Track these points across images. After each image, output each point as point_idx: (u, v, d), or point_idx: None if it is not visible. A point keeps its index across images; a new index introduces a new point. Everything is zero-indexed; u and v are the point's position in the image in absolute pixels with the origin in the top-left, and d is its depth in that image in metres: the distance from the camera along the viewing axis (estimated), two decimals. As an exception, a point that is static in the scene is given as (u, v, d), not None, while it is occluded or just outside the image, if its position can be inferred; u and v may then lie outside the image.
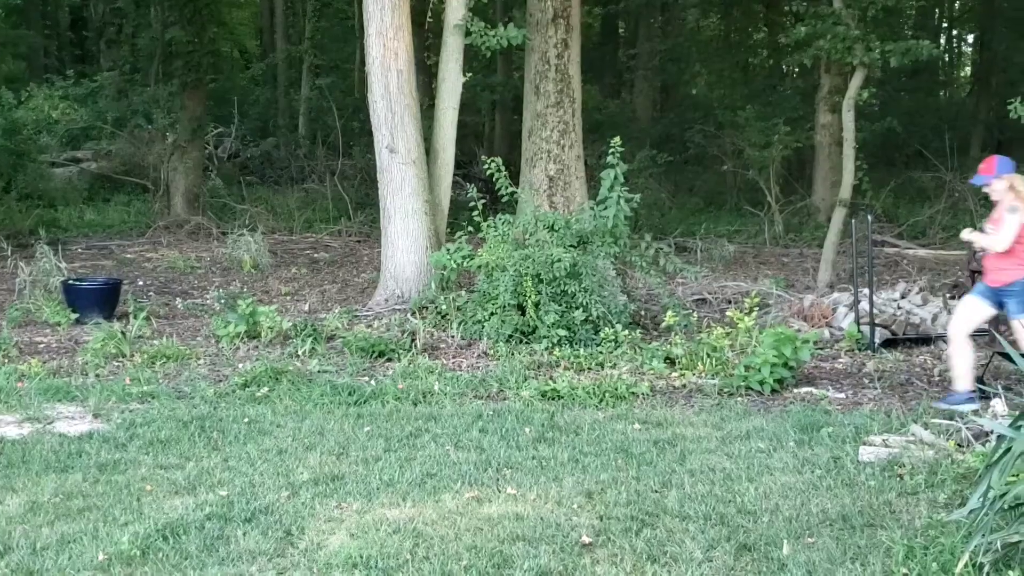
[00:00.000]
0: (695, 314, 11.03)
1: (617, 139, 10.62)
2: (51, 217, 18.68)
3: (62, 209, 19.80)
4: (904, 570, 4.78)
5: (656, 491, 6.04)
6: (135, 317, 10.78)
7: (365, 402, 8.23)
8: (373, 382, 8.86)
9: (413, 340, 10.06)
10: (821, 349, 9.91)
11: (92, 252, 16.55)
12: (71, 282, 11.81)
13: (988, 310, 7.90)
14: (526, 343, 9.90)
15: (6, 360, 9.29)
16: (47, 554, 5.12)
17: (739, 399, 8.33)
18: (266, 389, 8.52)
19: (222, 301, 12.05)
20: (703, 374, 8.98)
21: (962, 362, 7.83)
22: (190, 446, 6.99)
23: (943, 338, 10.20)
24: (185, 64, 19.39)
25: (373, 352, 9.73)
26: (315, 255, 16.63)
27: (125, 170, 21.73)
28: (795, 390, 8.57)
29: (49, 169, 21.97)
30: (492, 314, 10.18)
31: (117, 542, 5.18)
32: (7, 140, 19.64)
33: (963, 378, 7.83)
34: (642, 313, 11.07)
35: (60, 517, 5.66)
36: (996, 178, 7.66)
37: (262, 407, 8.05)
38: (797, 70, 27.41)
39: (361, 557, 5.01)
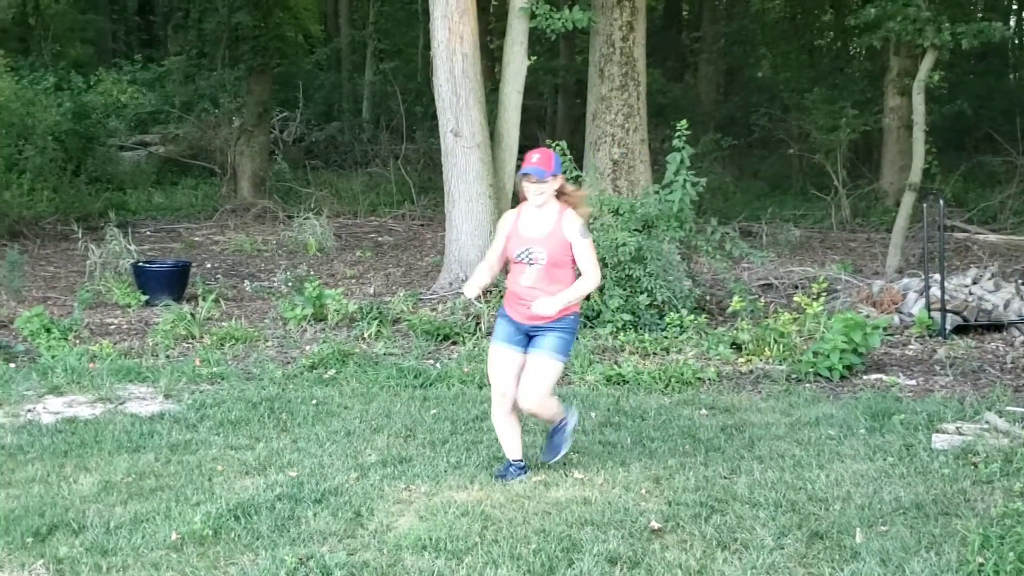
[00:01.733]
0: (761, 299, 10.92)
1: (684, 122, 10.54)
2: (120, 200, 18.94)
3: (131, 192, 20.05)
4: (980, 559, 4.69)
5: (725, 477, 6.00)
6: (204, 299, 10.91)
7: (431, 385, 8.27)
8: (438, 365, 8.90)
9: (478, 324, 10.07)
10: (891, 335, 9.77)
11: (160, 235, 16.77)
12: (141, 264, 11.98)
13: (521, 356, 5.93)
14: (590, 327, 9.87)
15: (78, 341, 9.45)
16: (120, 533, 5.19)
17: (807, 385, 8.25)
18: (333, 371, 8.59)
19: (289, 284, 12.15)
20: (770, 360, 8.90)
21: (510, 434, 6.07)
22: (259, 427, 7.07)
23: (1016, 324, 10.03)
24: (251, 49, 19.53)
25: (438, 335, 9.77)
26: (379, 238, 16.70)
27: (192, 154, 21.95)
28: (864, 377, 8.47)
29: (118, 153, 22.24)
30: (556, 298, 10.14)
31: (189, 522, 5.24)
32: (77, 124, 19.91)
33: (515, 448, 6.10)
34: (707, 298, 10.99)
35: (133, 496, 5.74)
36: (553, 176, 5.79)
37: (329, 389, 8.12)
38: (864, 52, 26.99)
39: (430, 539, 5.03)
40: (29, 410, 7.51)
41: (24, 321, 9.56)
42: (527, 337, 5.89)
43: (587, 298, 10.00)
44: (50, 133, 18.33)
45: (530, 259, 5.78)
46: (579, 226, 5.80)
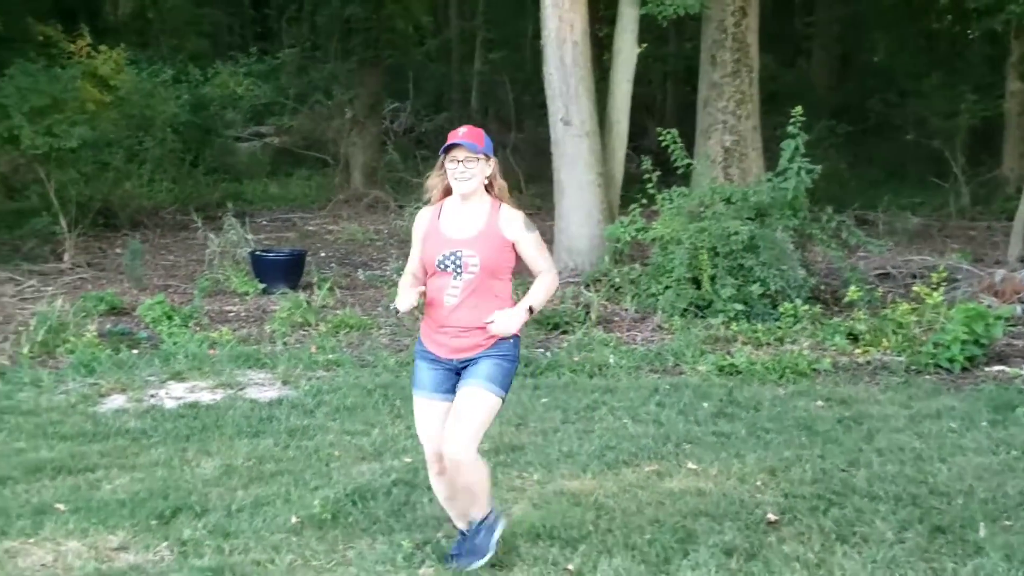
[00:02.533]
0: (878, 289, 10.70)
1: (799, 108, 10.37)
2: (237, 190, 19.31)
3: (247, 182, 20.45)
4: (1111, 558, 4.56)
5: (843, 470, 5.91)
6: (319, 287, 11.09)
7: (541, 374, 8.28)
8: (548, 354, 8.90)
9: (587, 313, 10.07)
10: (1013, 326, 9.47)
11: (276, 224, 17.09)
12: (258, 253, 12.20)
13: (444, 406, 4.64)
14: (701, 317, 9.79)
15: (198, 328, 9.67)
16: (242, 516, 5.32)
17: (927, 377, 8.06)
18: (445, 359, 8.64)
19: (401, 272, 12.27)
20: (888, 351, 8.71)
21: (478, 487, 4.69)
22: (374, 413, 7.17)
23: None
24: (363, 41, 19.75)
25: (548, 324, 9.78)
26: (488, 228, 16.75)
27: (306, 145, 22.30)
28: (986, 368, 8.25)
29: (234, 144, 22.71)
30: (667, 287, 10.10)
31: (308, 506, 5.35)
32: (195, 116, 20.37)
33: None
34: (822, 288, 10.81)
35: (253, 480, 5.87)
36: (485, 155, 4.61)
37: (441, 376, 8.17)
38: (983, 36, 26.20)
39: (544, 527, 5.05)
40: (152, 395, 7.73)
41: (146, 308, 9.84)
42: (457, 376, 4.63)
43: (698, 286, 9.97)
44: (169, 125, 18.77)
45: (457, 267, 4.54)
46: (521, 219, 4.63)
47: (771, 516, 5.18)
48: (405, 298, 4.57)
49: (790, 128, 10.38)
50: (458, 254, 4.54)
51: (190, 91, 21.49)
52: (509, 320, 4.51)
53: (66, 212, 13.72)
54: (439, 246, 4.58)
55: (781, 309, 9.51)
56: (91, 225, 14.85)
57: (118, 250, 13.78)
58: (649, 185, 10.86)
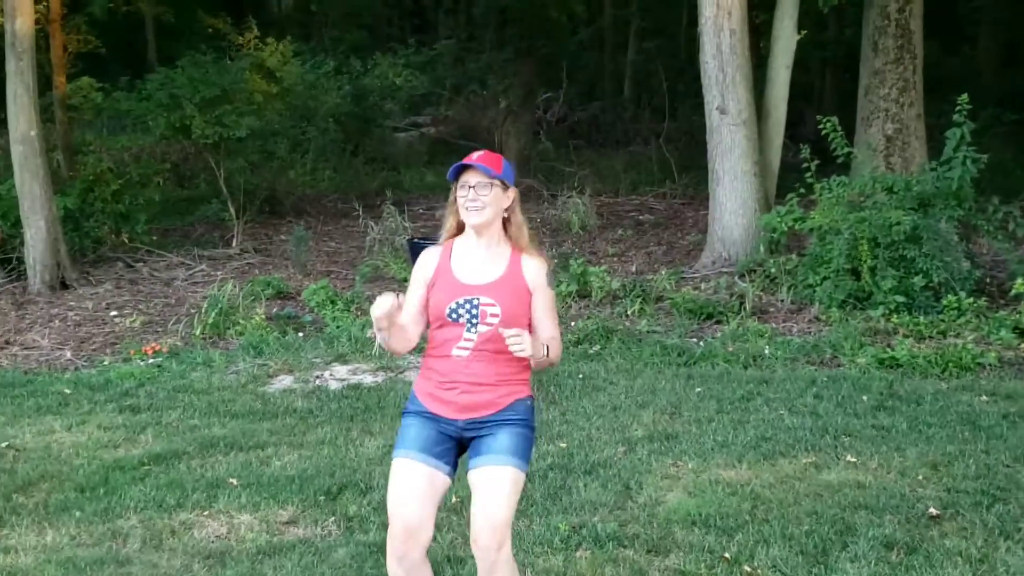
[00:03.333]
0: (1047, 282, 10.34)
1: (964, 96, 10.09)
2: (395, 179, 19.71)
3: (404, 171, 20.84)
4: None
5: (1007, 466, 5.77)
6: (474, 275, 11.26)
7: (695, 363, 8.28)
8: (702, 344, 8.89)
9: (742, 303, 10.00)
10: None
11: (432, 212, 17.37)
12: (415, 240, 12.47)
13: (441, 478, 3.90)
14: (860, 309, 9.63)
15: (360, 312, 9.96)
16: (404, 494, 5.49)
17: (1099, 374, 7.78)
18: (598, 347, 8.73)
19: (554, 261, 12.39)
20: (1057, 346, 8.43)
21: None
22: (530, 399, 7.28)
23: None
24: (518, 31, 19.93)
25: (701, 314, 9.76)
26: (640, 217, 16.73)
27: (461, 134, 22.62)
28: None
29: (392, 134, 23.16)
30: (824, 278, 9.96)
31: (466, 486, 5.44)
32: (356, 106, 20.86)
33: None
34: (987, 280, 10.49)
35: (414, 460, 6.04)
36: (502, 182, 3.84)
37: (595, 364, 8.27)
38: None
39: (700, 515, 5.09)
40: (317, 376, 8.02)
41: (311, 293, 10.20)
42: (455, 445, 3.93)
43: (857, 278, 9.80)
44: (331, 115, 19.28)
45: (473, 317, 3.80)
46: (547, 271, 3.90)
47: (932, 510, 5.11)
48: (380, 303, 3.67)
49: (956, 116, 10.11)
50: (474, 303, 3.80)
51: (351, 82, 22.00)
52: (526, 338, 3.68)
53: (234, 199, 14.26)
54: (451, 292, 3.83)
55: (944, 302, 9.28)
56: (258, 212, 15.39)
57: (283, 236, 14.25)
58: (807, 174, 10.72)
